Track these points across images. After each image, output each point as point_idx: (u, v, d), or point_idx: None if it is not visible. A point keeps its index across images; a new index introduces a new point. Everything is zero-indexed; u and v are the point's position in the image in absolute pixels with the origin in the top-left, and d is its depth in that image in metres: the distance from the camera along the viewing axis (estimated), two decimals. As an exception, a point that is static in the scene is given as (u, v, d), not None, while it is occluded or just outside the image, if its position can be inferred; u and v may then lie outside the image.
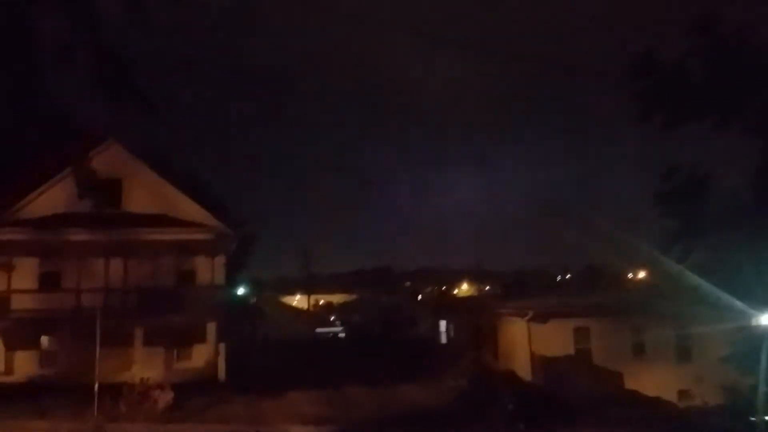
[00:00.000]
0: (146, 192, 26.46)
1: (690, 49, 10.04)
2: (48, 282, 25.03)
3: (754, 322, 16.98)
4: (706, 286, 15.06)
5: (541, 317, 26.37)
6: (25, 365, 24.55)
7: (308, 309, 66.77)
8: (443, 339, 38.44)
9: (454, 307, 43.84)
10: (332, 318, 75.07)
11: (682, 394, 25.85)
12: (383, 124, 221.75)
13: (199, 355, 25.74)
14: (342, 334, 56.24)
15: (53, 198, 25.04)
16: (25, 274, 24.71)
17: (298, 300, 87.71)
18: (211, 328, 25.34)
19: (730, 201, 11.11)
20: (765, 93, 10.11)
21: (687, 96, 10.49)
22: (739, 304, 15.15)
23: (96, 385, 19.51)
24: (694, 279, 15.32)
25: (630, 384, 23.87)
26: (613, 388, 23.06)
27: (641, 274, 59.78)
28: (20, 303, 23.87)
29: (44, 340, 25.13)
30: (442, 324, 38.91)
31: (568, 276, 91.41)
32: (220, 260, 26.60)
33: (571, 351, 26.22)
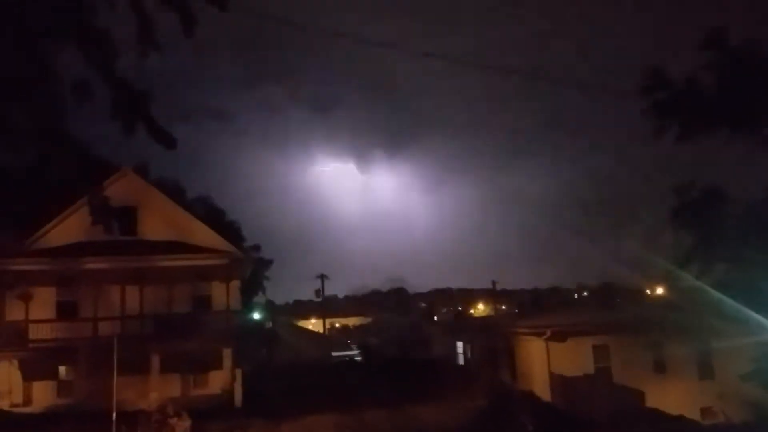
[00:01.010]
0: (161, 219, 26.66)
1: (701, 63, 10.05)
2: (65, 311, 25.18)
3: (776, 337, 16.69)
4: (726, 300, 14.86)
5: (559, 336, 26.06)
6: (43, 395, 24.61)
7: (324, 332, 66.47)
8: (460, 360, 38.10)
9: (471, 328, 43.50)
10: (348, 341, 74.71)
11: (705, 411, 25.38)
12: (396, 142, 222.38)
13: (216, 381, 25.70)
14: (358, 358, 55.91)
15: (70, 228, 25.26)
16: (43, 303, 24.88)
17: (313, 323, 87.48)
18: (228, 353, 25.33)
19: (748, 214, 11.00)
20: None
21: (699, 109, 10.45)
22: (760, 318, 14.92)
23: (114, 414, 19.50)
24: (714, 294, 15.12)
25: (651, 402, 23.50)
26: (634, 406, 22.70)
27: (659, 290, 59.04)
28: (38, 333, 23.97)
29: (62, 369, 25.20)
30: (459, 345, 38.59)
31: (585, 293, 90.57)
32: (235, 285, 26.67)
33: (591, 369, 25.85)
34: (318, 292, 60.65)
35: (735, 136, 10.39)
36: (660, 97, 10.41)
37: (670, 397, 24.14)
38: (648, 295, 61.30)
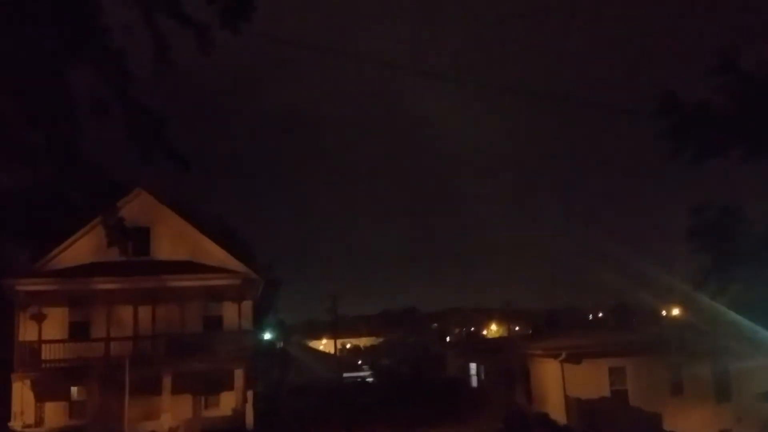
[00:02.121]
0: (174, 239, 26.74)
1: (714, 85, 10.01)
2: (78, 331, 25.20)
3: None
4: (743, 321, 14.68)
5: (575, 357, 25.75)
6: (54, 416, 24.56)
7: (336, 353, 66.18)
8: (474, 381, 37.72)
9: (484, 349, 43.15)
10: (360, 362, 74.36)
11: (724, 434, 24.94)
12: (408, 163, 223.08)
13: (228, 402, 25.56)
14: (370, 379, 55.54)
15: (83, 248, 25.37)
16: (55, 323, 24.90)
17: (325, 344, 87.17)
18: (239, 374, 25.19)
19: (765, 235, 10.88)
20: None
21: (713, 131, 10.40)
22: (778, 339, 14.70)
23: (125, 435, 19.43)
24: (731, 315, 14.93)
25: (669, 425, 23.09)
26: (651, 429, 22.32)
27: (675, 311, 58.47)
28: (51, 353, 23.98)
29: (74, 390, 25.16)
30: (472, 366, 38.23)
31: (600, 314, 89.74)
32: (248, 305, 26.60)
33: (607, 392, 25.50)
34: (330, 312, 60.44)
35: (751, 157, 10.31)
36: (673, 120, 10.37)
37: (687, 420, 23.73)
38: (664, 316, 60.67)
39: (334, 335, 65.85)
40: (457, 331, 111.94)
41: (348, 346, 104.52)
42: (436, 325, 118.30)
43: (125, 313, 25.23)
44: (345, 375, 54.80)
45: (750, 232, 11.28)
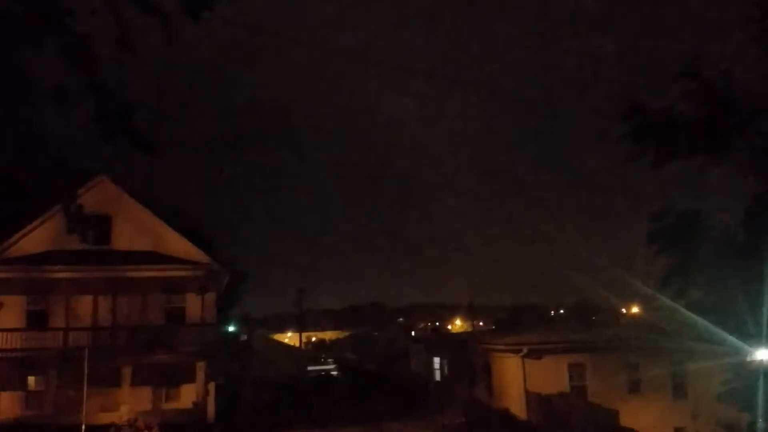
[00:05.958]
0: (136, 228, 26.29)
1: (677, 92, 10.19)
2: (35, 320, 24.67)
3: (749, 358, 16.83)
4: (701, 322, 14.99)
5: (536, 353, 26.07)
6: (10, 406, 24.01)
7: (300, 346, 65.99)
8: (437, 376, 37.95)
9: (448, 344, 43.40)
10: (324, 355, 74.29)
11: (679, 431, 25.50)
12: (378, 159, 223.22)
13: (188, 395, 25.26)
14: (335, 372, 55.56)
15: (42, 235, 24.82)
16: (13, 312, 24.34)
17: (290, 337, 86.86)
18: (201, 367, 24.92)
19: (724, 239, 11.12)
20: (752, 132, 10.24)
21: (675, 136, 10.59)
22: (734, 340, 15.04)
23: (83, 427, 19.12)
24: (690, 316, 15.23)
25: (626, 421, 23.55)
26: (609, 425, 22.72)
27: (634, 309, 59.57)
28: (7, 342, 23.42)
29: (31, 380, 24.65)
30: (436, 360, 38.44)
31: (562, 311, 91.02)
32: (211, 297, 26.30)
33: (566, 388, 25.88)
34: (296, 306, 60.23)
35: (710, 162, 10.53)
36: (636, 124, 10.52)
37: (644, 416, 24.22)
38: (624, 314, 61.77)
39: (299, 329, 65.63)
40: (422, 325, 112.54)
41: (313, 339, 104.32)
42: (401, 319, 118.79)
43: (84, 303, 24.78)
44: (309, 368, 54.70)
45: (707, 238, 11.51)
